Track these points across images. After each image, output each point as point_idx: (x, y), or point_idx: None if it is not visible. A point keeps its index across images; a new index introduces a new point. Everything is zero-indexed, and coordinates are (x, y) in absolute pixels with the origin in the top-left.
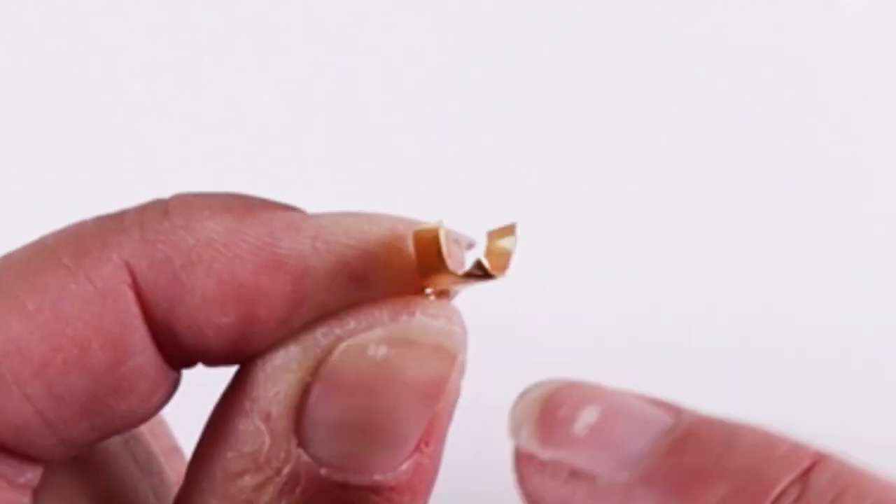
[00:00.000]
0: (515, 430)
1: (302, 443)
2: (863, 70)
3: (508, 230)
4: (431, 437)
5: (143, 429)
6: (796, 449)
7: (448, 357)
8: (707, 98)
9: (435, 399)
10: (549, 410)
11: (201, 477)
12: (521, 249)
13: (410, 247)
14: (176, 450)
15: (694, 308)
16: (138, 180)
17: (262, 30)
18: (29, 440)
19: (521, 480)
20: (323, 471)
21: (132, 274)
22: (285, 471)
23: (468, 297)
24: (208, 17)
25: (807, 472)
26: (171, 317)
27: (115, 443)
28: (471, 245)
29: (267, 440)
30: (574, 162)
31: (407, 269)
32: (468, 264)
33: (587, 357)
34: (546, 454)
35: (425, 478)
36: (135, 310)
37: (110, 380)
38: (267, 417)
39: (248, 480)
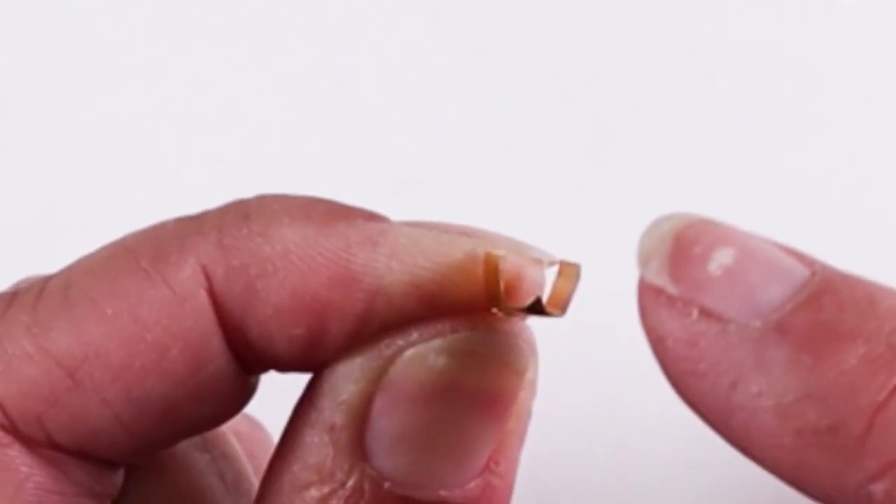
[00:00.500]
0: (644, 261)
1: (366, 455)
2: (863, 70)
3: (573, 270)
4: (502, 457)
5: (239, 448)
6: None
7: (512, 371)
8: (706, 98)
9: (501, 415)
10: (682, 246)
11: (271, 491)
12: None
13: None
14: None
15: None
16: (138, 180)
17: (262, 30)
18: (107, 444)
19: (645, 313)
20: (387, 484)
21: (209, 279)
22: (349, 483)
23: None
24: (208, 17)
25: None
26: (243, 324)
27: (201, 461)
28: (552, 263)
29: (331, 451)
30: (574, 162)
31: (478, 293)
32: (544, 288)
33: (587, 357)
34: (677, 290)
35: (496, 499)
36: (212, 315)
37: (189, 385)
38: (331, 428)
39: (314, 493)
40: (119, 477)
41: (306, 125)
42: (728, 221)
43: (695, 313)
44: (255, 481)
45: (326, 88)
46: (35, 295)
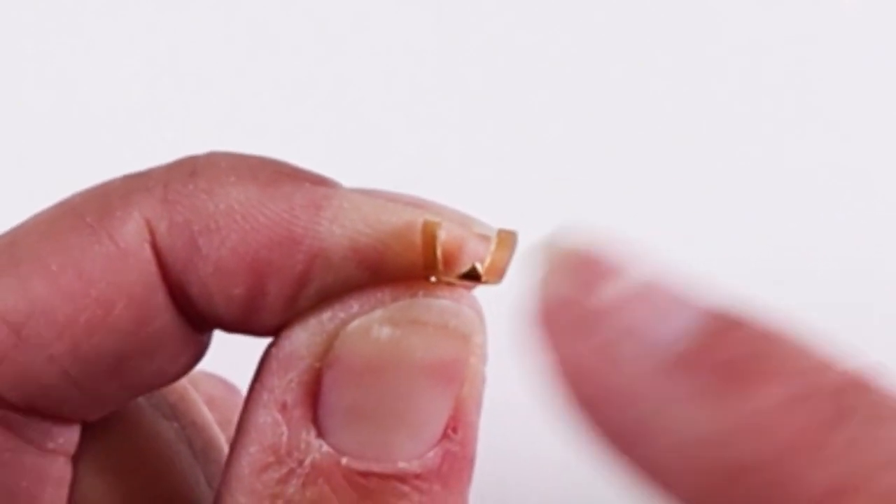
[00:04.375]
0: (547, 278)
1: (321, 432)
2: (863, 70)
3: (509, 237)
4: (459, 424)
5: (210, 417)
6: (847, 362)
7: (459, 336)
8: (706, 99)
9: (453, 381)
10: (586, 265)
11: (231, 474)
12: (520, 250)
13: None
14: None
15: None
16: None
17: (262, 30)
18: (57, 401)
19: (547, 334)
20: (344, 460)
21: (152, 233)
22: (307, 462)
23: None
24: (208, 17)
25: (858, 385)
26: (185, 281)
27: (170, 429)
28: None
29: (286, 431)
30: (574, 162)
31: (416, 261)
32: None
33: None
34: (583, 311)
35: (457, 466)
36: (155, 270)
37: (136, 340)
38: (283, 407)
39: (273, 474)
40: (74, 434)
41: (306, 125)
42: (635, 245)
43: (602, 335)
44: (228, 448)
45: (326, 88)
46: None
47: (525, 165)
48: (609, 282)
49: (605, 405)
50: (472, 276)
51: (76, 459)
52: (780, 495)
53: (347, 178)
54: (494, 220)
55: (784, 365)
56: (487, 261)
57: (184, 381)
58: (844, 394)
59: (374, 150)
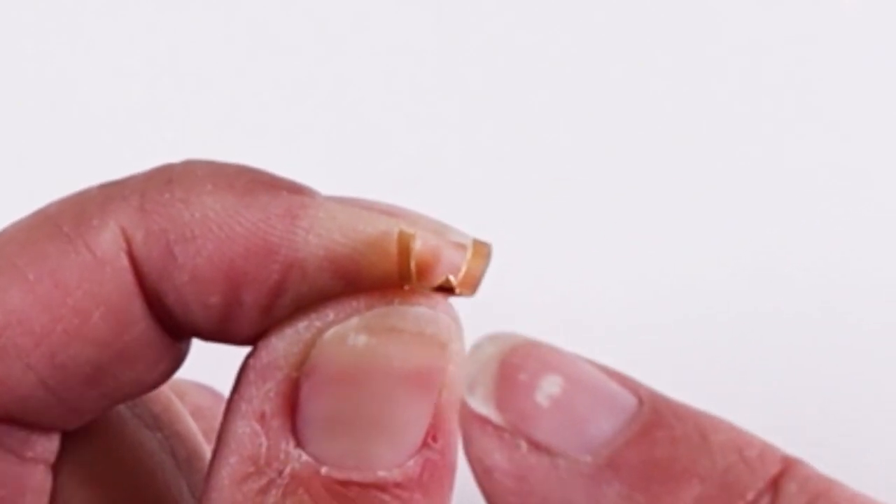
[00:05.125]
0: (469, 389)
1: (299, 442)
2: (863, 70)
3: (484, 249)
4: (439, 432)
5: (194, 426)
6: (767, 451)
7: (436, 343)
8: (707, 99)
9: (430, 389)
10: (508, 373)
11: (212, 486)
12: (520, 250)
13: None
14: None
15: (692, 311)
16: None
17: (262, 30)
18: (35, 410)
19: (471, 442)
20: (324, 469)
21: (128, 242)
22: (286, 472)
23: (468, 302)
24: (208, 17)
25: (778, 478)
26: (161, 289)
27: (153, 439)
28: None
29: (265, 441)
30: (574, 162)
31: (391, 271)
32: (460, 270)
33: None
34: (504, 420)
35: (437, 474)
36: (132, 278)
37: (113, 349)
38: (261, 417)
39: (252, 485)
40: (53, 442)
41: (306, 125)
42: (551, 343)
43: (523, 445)
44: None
45: (326, 88)
46: None
47: (525, 165)
48: (528, 393)
49: None
50: (446, 289)
51: (56, 468)
52: None
53: (347, 178)
54: (494, 219)
55: (704, 461)
56: (462, 272)
57: (167, 391)
58: (763, 492)
59: (374, 150)
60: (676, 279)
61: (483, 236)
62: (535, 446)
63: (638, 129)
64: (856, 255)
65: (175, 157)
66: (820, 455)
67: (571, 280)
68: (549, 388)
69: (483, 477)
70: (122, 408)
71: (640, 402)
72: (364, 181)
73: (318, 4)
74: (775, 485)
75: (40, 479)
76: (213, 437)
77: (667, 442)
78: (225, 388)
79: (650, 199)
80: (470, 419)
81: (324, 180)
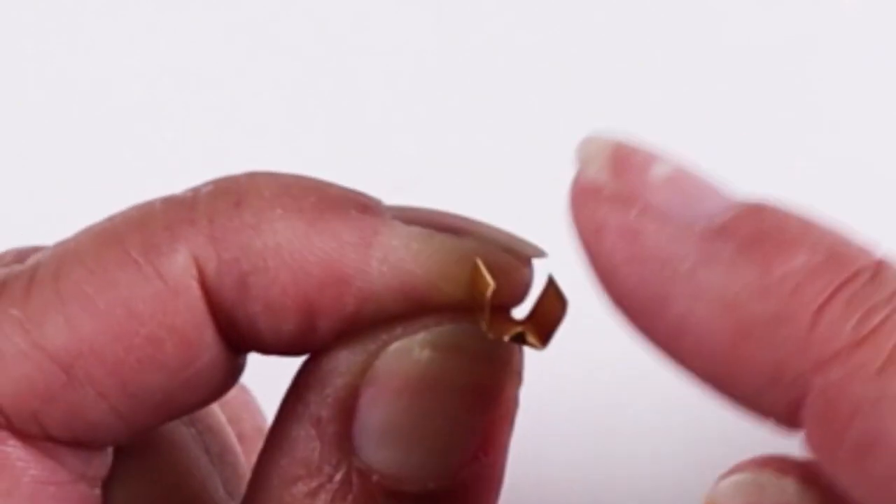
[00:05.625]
0: (584, 163)
1: (353, 448)
2: (863, 69)
3: (559, 303)
4: (490, 446)
5: (223, 418)
6: (867, 246)
7: (498, 363)
8: (706, 101)
9: (488, 405)
10: (623, 154)
11: (259, 485)
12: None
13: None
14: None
15: None
16: (138, 180)
17: (262, 30)
18: (102, 433)
19: (580, 208)
20: (375, 477)
21: (200, 271)
22: (337, 477)
23: None
24: (208, 17)
25: (878, 264)
26: (233, 317)
27: (187, 435)
28: (541, 256)
29: (318, 445)
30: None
31: (464, 302)
32: (531, 287)
33: (587, 364)
34: (619, 187)
35: (485, 489)
36: (204, 307)
37: (184, 376)
38: (318, 422)
39: (302, 487)
40: (108, 457)
41: (306, 125)
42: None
43: (636, 210)
44: (240, 450)
45: (326, 88)
46: (24, 286)
47: (525, 166)
48: (643, 170)
49: (641, 267)
50: (519, 340)
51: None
52: (806, 344)
53: (347, 178)
54: (494, 220)
55: (812, 237)
56: (534, 311)
57: None
58: (866, 268)
59: (374, 150)
60: None
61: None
62: (650, 210)
63: (639, 130)
64: None
65: (175, 157)
66: None
67: (570, 279)
68: (661, 169)
69: (591, 239)
70: None
71: (746, 197)
72: (364, 181)
73: (318, 4)
74: (878, 266)
75: (97, 494)
76: (237, 424)
77: (775, 218)
78: (246, 381)
79: None
80: (582, 189)
81: (324, 180)
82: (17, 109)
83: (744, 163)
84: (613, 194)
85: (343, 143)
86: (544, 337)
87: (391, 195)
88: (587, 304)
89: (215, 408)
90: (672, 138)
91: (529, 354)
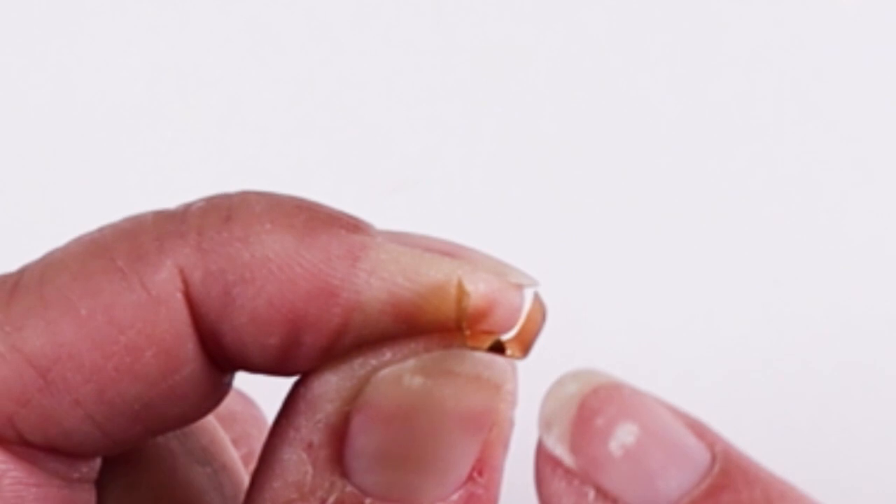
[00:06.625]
0: (546, 426)
1: (345, 472)
2: (863, 69)
3: (539, 314)
4: (485, 467)
5: (237, 456)
6: None
7: (491, 386)
8: (707, 101)
9: (481, 429)
10: (585, 416)
11: None
12: (519, 251)
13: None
14: None
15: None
16: (138, 180)
17: (262, 30)
18: (79, 442)
19: (542, 483)
20: (368, 500)
21: (185, 282)
22: (330, 500)
23: None
24: (208, 17)
25: None
26: (218, 330)
27: (202, 475)
28: (532, 285)
29: (310, 469)
30: (574, 162)
31: (451, 316)
32: (520, 313)
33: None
34: (575, 465)
35: None
36: (187, 319)
37: (163, 387)
38: (309, 446)
39: None
40: (96, 462)
41: (306, 125)
42: (633, 387)
43: (591, 494)
44: (243, 469)
45: (326, 88)
46: (9, 291)
47: (525, 166)
48: (602, 440)
49: None
50: (498, 349)
51: (101, 485)
52: None
53: (347, 178)
54: (494, 220)
55: None
56: (515, 330)
57: (212, 420)
58: None
59: (374, 150)
60: (677, 284)
61: (491, 248)
62: (603, 495)
63: (639, 130)
64: (855, 255)
65: (175, 157)
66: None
67: (572, 279)
68: (624, 436)
69: None
70: (173, 443)
71: (713, 459)
72: (364, 181)
73: (318, 4)
74: None
75: (86, 497)
76: (246, 441)
77: (737, 499)
78: (244, 388)
79: (652, 200)
80: (543, 458)
81: (323, 180)
82: (17, 109)
83: (744, 163)
84: (570, 472)
85: (343, 144)
86: (525, 348)
87: (390, 195)
88: (585, 318)
89: (228, 445)
90: (672, 138)
91: (526, 370)
